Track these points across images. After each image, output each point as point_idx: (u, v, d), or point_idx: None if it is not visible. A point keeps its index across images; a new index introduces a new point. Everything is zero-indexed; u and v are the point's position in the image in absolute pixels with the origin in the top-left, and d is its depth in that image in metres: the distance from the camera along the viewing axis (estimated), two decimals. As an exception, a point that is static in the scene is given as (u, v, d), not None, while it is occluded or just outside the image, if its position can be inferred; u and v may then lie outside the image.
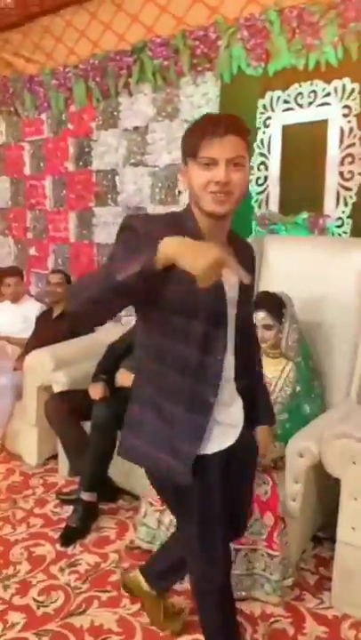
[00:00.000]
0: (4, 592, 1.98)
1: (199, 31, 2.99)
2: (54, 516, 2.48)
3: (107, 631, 1.79)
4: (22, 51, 4.05)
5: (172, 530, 1.97)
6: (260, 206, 2.94)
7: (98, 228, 3.69)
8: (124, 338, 2.66)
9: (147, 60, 3.24)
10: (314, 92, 2.67)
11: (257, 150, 2.92)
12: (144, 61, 3.26)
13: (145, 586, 1.80)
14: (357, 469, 1.76)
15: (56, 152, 3.87)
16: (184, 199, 3.19)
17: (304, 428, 1.97)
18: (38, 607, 1.90)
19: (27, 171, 4.14)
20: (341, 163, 2.61)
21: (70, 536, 2.27)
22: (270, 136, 2.87)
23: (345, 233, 2.62)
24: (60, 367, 2.83)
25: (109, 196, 3.59)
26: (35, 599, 1.94)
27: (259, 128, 2.89)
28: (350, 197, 2.59)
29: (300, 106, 2.74)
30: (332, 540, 1.90)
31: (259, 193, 2.95)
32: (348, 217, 2.61)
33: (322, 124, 2.66)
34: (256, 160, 2.93)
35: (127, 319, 3.15)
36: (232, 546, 1.82)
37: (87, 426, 2.46)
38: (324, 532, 2.18)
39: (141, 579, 1.81)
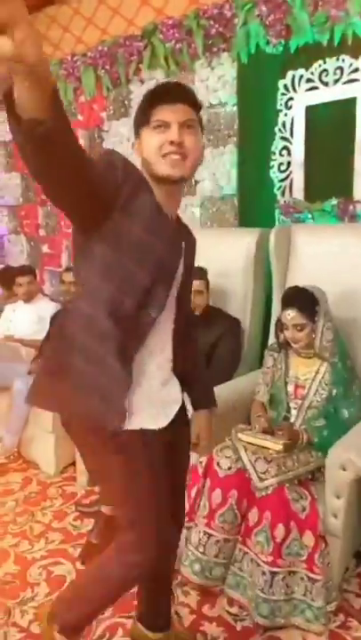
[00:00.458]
0: (22, 618, 1.83)
1: (213, 9, 2.81)
2: (74, 530, 2.34)
3: (133, 663, 1.63)
4: (29, 42, 3.90)
5: (201, 549, 1.82)
6: (283, 194, 2.76)
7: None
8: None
9: (158, 44, 3.07)
10: (340, 68, 2.48)
11: (278, 134, 2.74)
12: (155, 45, 3.09)
13: (149, 633, 1.60)
14: None
15: (67, 145, 3.71)
16: (201, 189, 3.01)
17: (345, 437, 1.78)
18: (58, 635, 1.75)
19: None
20: (372, 143, 2.41)
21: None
22: (293, 118, 2.68)
23: (378, 219, 2.43)
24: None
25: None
26: (54, 626, 1.79)
27: (280, 110, 2.72)
28: (383, 181, 2.40)
29: (325, 84, 2.54)
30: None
31: (282, 180, 2.76)
32: (381, 202, 2.42)
33: (349, 103, 2.47)
34: (278, 145, 2.74)
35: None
36: (268, 569, 1.67)
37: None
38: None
39: (142, 627, 1.62)
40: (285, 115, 2.71)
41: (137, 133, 1.25)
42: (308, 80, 2.59)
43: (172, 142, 1.17)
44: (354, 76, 2.43)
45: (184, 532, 1.89)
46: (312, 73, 2.57)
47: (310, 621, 1.67)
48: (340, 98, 2.50)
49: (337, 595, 1.74)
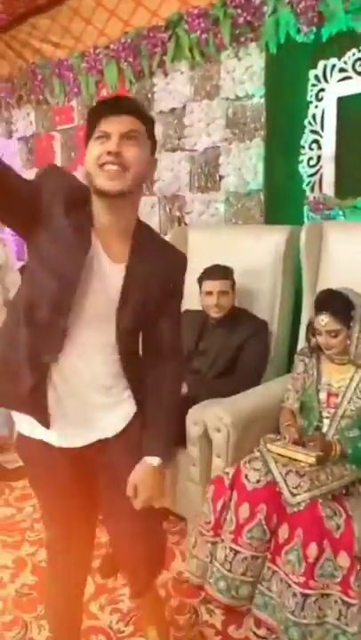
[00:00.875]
0: (39, 634, 1.76)
1: (241, -3, 2.69)
2: (93, 539, 2.26)
3: None
4: (50, 36, 3.84)
5: (227, 567, 1.72)
6: (312, 189, 2.63)
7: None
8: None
9: (183, 35, 2.96)
10: (376, 57, 2.34)
11: (308, 127, 2.62)
12: (180, 36, 2.98)
13: None
14: None
15: (87, 140, 3.64)
16: (226, 185, 2.91)
17: (382, 449, 1.67)
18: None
19: (57, 161, 3.93)
20: None
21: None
22: (323, 110, 2.55)
23: None
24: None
25: (144, 184, 3.32)
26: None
27: (310, 102, 2.59)
28: None
29: (360, 74, 2.41)
30: None
31: (311, 175, 2.64)
32: None
33: (385, 94, 2.33)
34: (308, 138, 2.62)
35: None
36: (299, 590, 1.56)
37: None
38: None
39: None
40: (316, 107, 2.58)
41: (85, 147, 1.22)
42: (341, 70, 2.45)
43: (109, 152, 1.15)
44: (390, 65, 2.30)
45: (208, 546, 1.81)
46: (345, 62, 2.43)
47: (344, 649, 1.56)
48: (375, 88, 2.37)
49: (374, 620, 1.62)
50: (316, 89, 2.57)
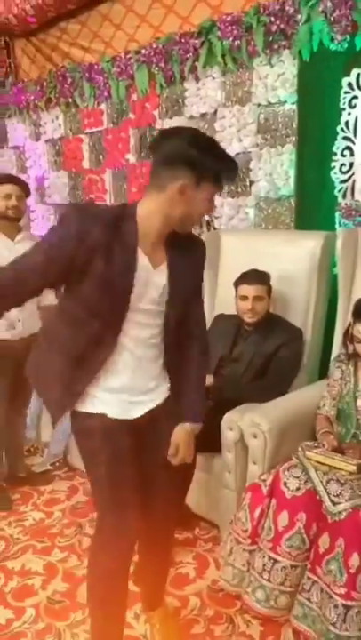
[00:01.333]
0: (72, 643, 1.74)
1: (275, 5, 2.68)
2: (123, 543, 2.24)
3: None
4: (80, 40, 3.87)
5: (266, 576, 1.69)
6: (344, 196, 2.61)
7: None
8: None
9: (215, 41, 2.97)
10: None
11: (341, 134, 2.60)
12: (212, 43, 2.98)
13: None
14: None
15: (117, 144, 3.66)
16: (256, 190, 2.89)
17: None
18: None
19: (86, 164, 3.95)
20: None
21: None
22: (356, 117, 2.54)
23: None
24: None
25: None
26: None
27: (343, 109, 2.57)
28: None
29: (394, 82, 2.40)
30: None
31: (343, 181, 2.62)
32: None
33: None
34: (340, 145, 2.60)
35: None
36: (341, 602, 1.54)
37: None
38: None
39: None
40: (349, 114, 2.57)
41: (196, 183, 1.27)
42: (375, 78, 2.45)
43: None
44: None
45: (246, 555, 1.78)
46: (379, 70, 2.43)
47: (388, 662, 1.53)
48: None
49: None
50: (349, 96, 2.55)
